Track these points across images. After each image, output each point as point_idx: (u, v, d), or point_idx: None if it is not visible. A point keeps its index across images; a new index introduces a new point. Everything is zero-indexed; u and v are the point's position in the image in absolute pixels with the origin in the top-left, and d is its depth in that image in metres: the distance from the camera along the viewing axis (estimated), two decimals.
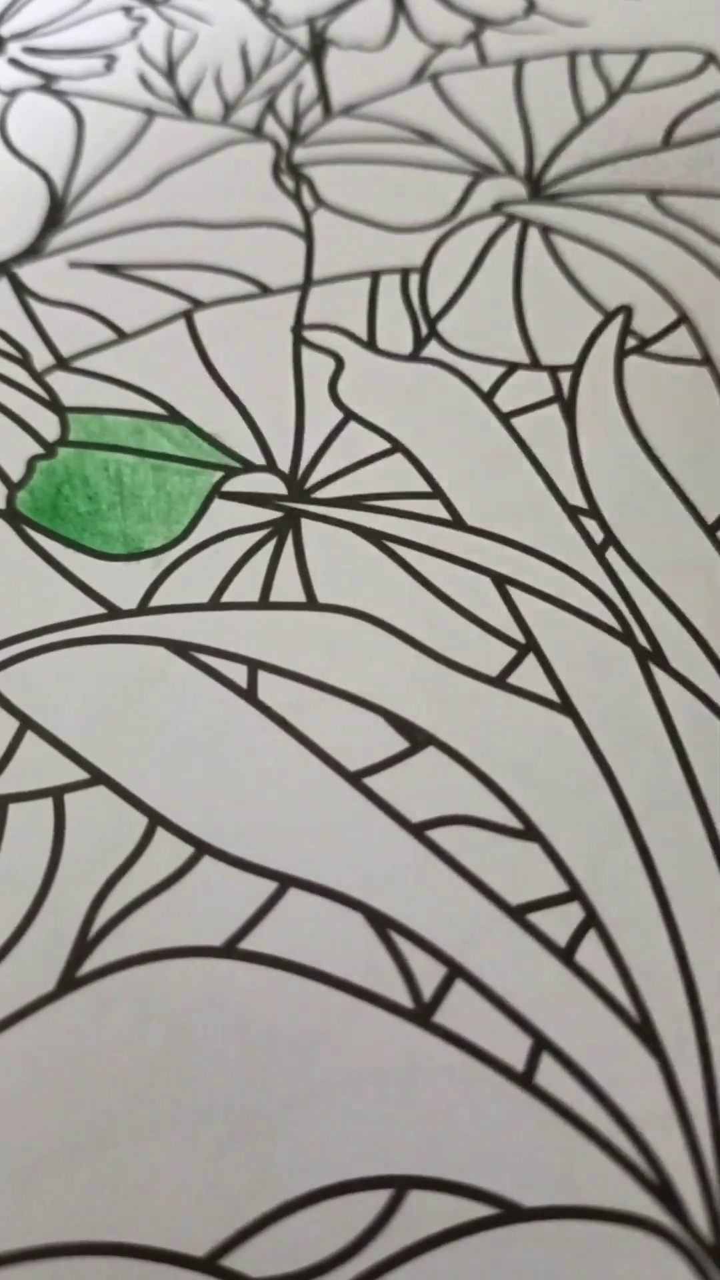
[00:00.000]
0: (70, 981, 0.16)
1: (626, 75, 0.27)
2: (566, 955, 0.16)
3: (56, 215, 0.24)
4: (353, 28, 0.28)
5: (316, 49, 0.27)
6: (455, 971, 0.16)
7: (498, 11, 0.29)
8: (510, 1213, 0.14)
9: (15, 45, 0.27)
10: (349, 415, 0.21)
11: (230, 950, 0.16)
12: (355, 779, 0.17)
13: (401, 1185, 0.15)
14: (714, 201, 0.25)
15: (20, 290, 0.22)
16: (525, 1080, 0.15)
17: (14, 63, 0.27)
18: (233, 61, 0.27)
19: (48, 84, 0.26)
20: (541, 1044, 0.16)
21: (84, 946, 0.16)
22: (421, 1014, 0.16)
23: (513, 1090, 0.15)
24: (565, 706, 0.18)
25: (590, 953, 0.16)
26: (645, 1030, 0.16)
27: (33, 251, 0.23)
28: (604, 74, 0.27)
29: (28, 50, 0.27)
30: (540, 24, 0.28)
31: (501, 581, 0.19)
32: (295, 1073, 0.15)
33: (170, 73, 0.27)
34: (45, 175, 0.24)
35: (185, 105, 0.26)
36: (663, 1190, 0.15)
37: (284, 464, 0.20)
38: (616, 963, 0.16)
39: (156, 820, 0.17)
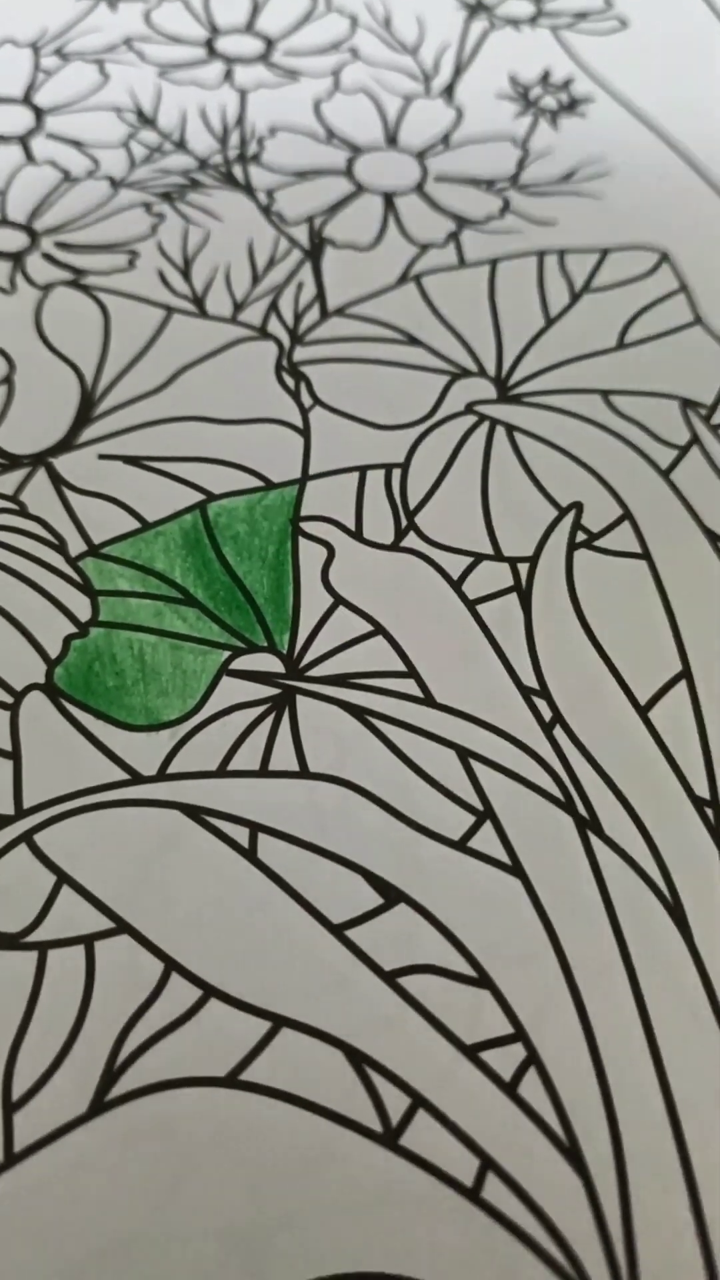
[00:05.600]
0: (100, 1106, 0.19)
1: (588, 276, 0.31)
2: (510, 1089, 0.20)
3: (87, 410, 0.27)
4: (347, 227, 0.32)
5: (315, 247, 0.31)
6: (418, 1102, 0.19)
7: (476, 211, 0.32)
8: None
9: (48, 240, 0.31)
10: (338, 600, 0.25)
11: (232, 1081, 0.19)
12: (338, 931, 0.21)
13: None
14: (658, 400, 0.28)
15: (56, 481, 0.26)
16: (474, 1195, 0.19)
17: (47, 257, 0.30)
18: (241, 260, 0.31)
19: (77, 279, 0.30)
20: (488, 1164, 0.19)
21: (111, 1075, 0.19)
22: (389, 1138, 0.19)
23: (463, 1204, 0.19)
24: (515, 868, 0.22)
25: (530, 1087, 0.20)
26: (574, 1154, 0.19)
27: (66, 444, 0.27)
28: (568, 274, 0.31)
29: (59, 245, 0.31)
30: (514, 223, 0.32)
31: (465, 755, 0.23)
32: (285, 1188, 0.19)
33: (186, 270, 0.30)
34: (77, 370, 0.28)
35: (199, 303, 0.30)
36: None
37: (282, 645, 0.24)
38: (551, 1096, 0.20)
39: (171, 966, 0.20)
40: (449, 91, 0.36)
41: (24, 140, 0.34)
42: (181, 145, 0.34)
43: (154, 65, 0.36)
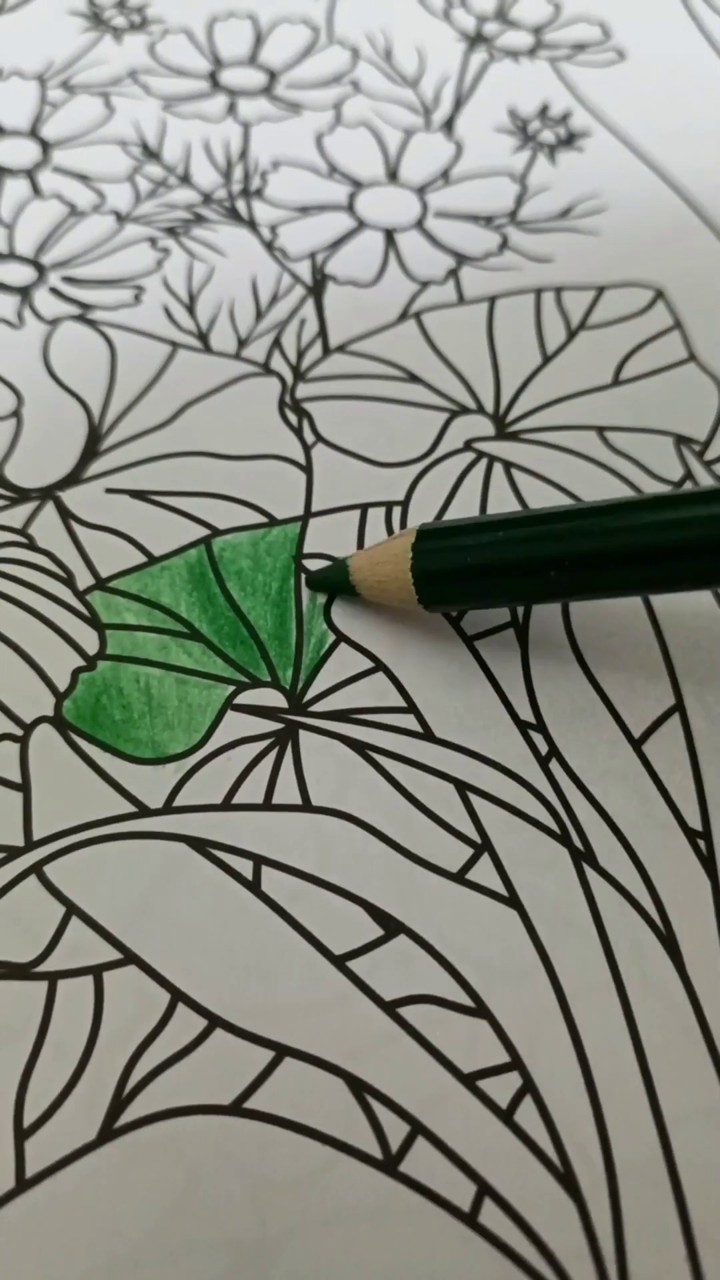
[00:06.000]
0: (108, 1133, 0.20)
1: (584, 313, 0.32)
2: (507, 1116, 0.20)
3: (94, 444, 0.28)
4: (348, 263, 0.32)
5: (318, 284, 0.32)
6: (417, 1129, 0.20)
7: (475, 248, 0.33)
8: None
9: (55, 274, 0.31)
10: (340, 637, 0.25)
11: (237, 1108, 0.20)
12: (340, 962, 0.21)
13: None
14: (652, 436, 0.29)
15: (64, 514, 0.27)
16: (471, 1220, 0.19)
17: (54, 292, 0.31)
18: (245, 296, 0.31)
19: (84, 314, 0.31)
20: (484, 1190, 0.20)
21: (119, 1103, 0.20)
22: (389, 1164, 0.20)
23: (460, 1228, 0.19)
24: (513, 900, 0.22)
25: (526, 1114, 0.20)
26: (568, 1179, 0.20)
27: (73, 478, 0.27)
28: (565, 311, 0.32)
29: (66, 280, 0.31)
30: (512, 260, 0.33)
31: (463, 788, 0.24)
32: (288, 1211, 0.19)
33: (191, 306, 0.31)
34: (85, 405, 0.29)
35: (204, 339, 0.30)
36: None
37: (285, 680, 0.25)
38: (547, 1123, 0.20)
39: (178, 996, 0.21)
40: (449, 125, 0.37)
41: (31, 173, 0.34)
42: (186, 179, 0.34)
43: (158, 98, 0.37)
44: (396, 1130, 0.20)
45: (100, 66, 0.38)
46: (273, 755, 0.24)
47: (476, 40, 0.40)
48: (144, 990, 0.21)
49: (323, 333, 0.30)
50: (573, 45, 0.40)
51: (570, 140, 0.37)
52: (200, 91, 0.37)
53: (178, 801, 0.23)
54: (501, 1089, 0.20)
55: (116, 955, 0.21)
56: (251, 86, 0.38)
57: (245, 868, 0.22)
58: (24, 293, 0.31)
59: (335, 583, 0.25)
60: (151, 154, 0.35)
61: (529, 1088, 0.20)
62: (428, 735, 0.24)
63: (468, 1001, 0.21)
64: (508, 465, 0.28)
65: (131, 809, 0.23)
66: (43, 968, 0.21)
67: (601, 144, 0.36)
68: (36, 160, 0.34)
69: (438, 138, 0.36)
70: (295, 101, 0.37)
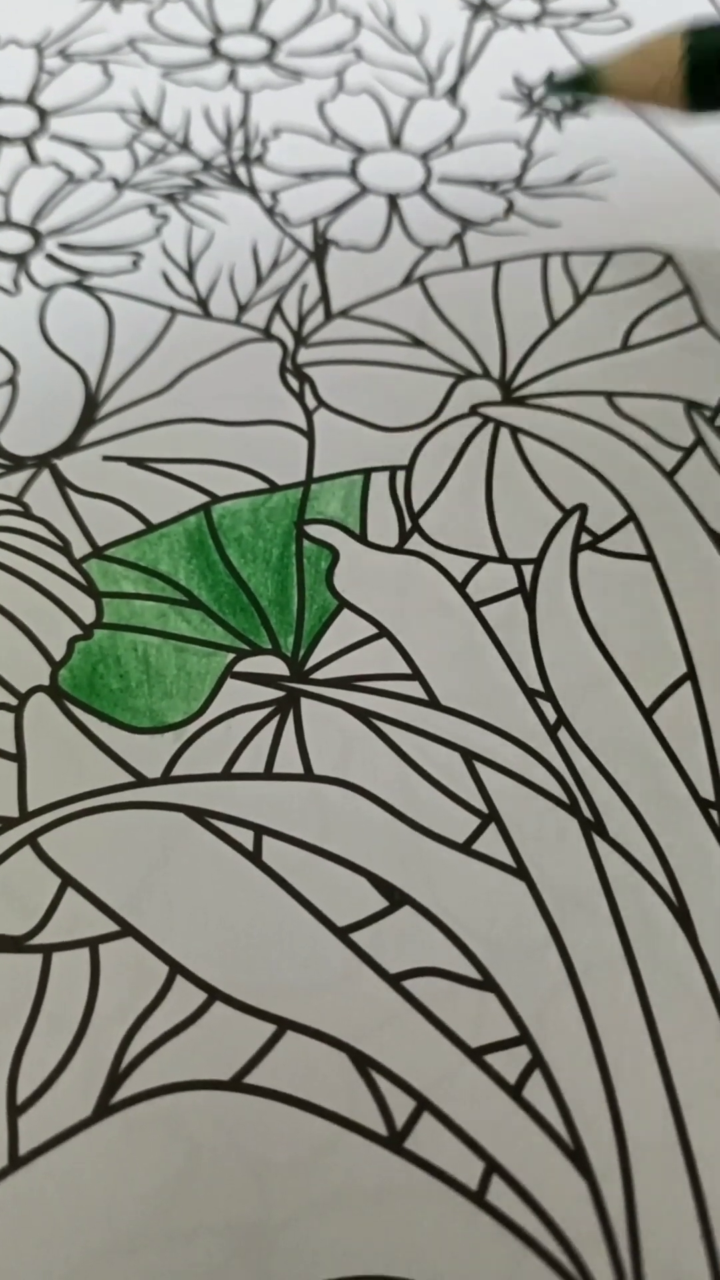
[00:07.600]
0: (105, 1108, 0.19)
1: (592, 278, 0.31)
2: (515, 1092, 0.20)
3: (91, 412, 0.27)
4: (351, 228, 0.32)
5: (319, 249, 0.31)
6: (423, 1105, 0.19)
7: (480, 213, 0.32)
8: None
9: (52, 241, 0.31)
10: (343, 603, 0.25)
11: (237, 1084, 0.19)
12: (343, 934, 0.21)
13: None
14: (662, 402, 0.28)
15: (61, 482, 0.26)
16: (478, 1198, 0.19)
17: (51, 258, 0.30)
18: (245, 261, 0.31)
19: (81, 280, 0.30)
20: (492, 1167, 0.19)
21: (116, 1078, 0.19)
22: (394, 1141, 0.19)
23: (467, 1206, 0.19)
24: (520, 871, 0.22)
25: (535, 1090, 0.20)
26: (579, 1157, 0.19)
27: (70, 446, 0.27)
28: (572, 276, 0.31)
29: (63, 247, 0.31)
30: (518, 225, 0.32)
31: (469, 757, 0.23)
32: (290, 1190, 0.19)
33: (190, 272, 0.30)
34: (81, 371, 0.28)
35: (204, 304, 0.30)
36: None
37: (286, 648, 0.24)
38: (557, 1099, 0.20)
39: (176, 969, 0.20)
40: (453, 92, 0.36)
41: (28, 141, 0.34)
42: (185, 146, 0.34)
43: (158, 66, 0.36)
44: (402, 1106, 0.19)
45: (99, 35, 0.37)
46: (274, 723, 0.23)
47: (481, 8, 0.39)
48: (141, 963, 0.20)
49: (325, 298, 0.30)
50: (578, 13, 0.39)
51: (576, 106, 0.36)
52: (200, 59, 0.37)
53: (176, 771, 0.22)
54: (510, 1064, 0.20)
55: (113, 927, 0.21)
56: (252, 54, 0.37)
57: (246, 838, 0.22)
58: (20, 259, 0.30)
59: (581, 83, 0.24)
60: (150, 121, 0.34)
61: (538, 1062, 0.20)
62: (433, 703, 0.23)
63: (475, 975, 0.20)
64: (514, 430, 0.27)
65: (129, 779, 0.22)
66: (37, 940, 0.20)
67: (608, 110, 0.36)
68: (34, 128, 0.34)
69: (441, 104, 0.36)
70: (297, 69, 0.37)
